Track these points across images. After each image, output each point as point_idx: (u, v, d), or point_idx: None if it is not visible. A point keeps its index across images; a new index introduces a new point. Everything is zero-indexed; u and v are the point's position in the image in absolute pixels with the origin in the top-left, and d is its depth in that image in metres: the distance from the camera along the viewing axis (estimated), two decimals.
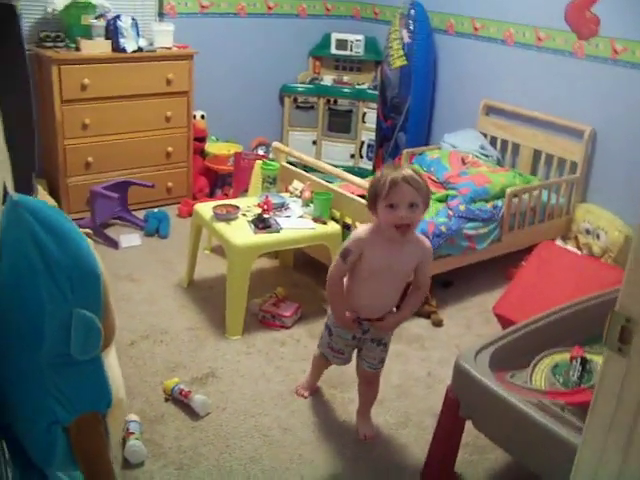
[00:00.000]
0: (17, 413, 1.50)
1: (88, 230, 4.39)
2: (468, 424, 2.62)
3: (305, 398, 3.25)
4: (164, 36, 5.11)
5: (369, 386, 3.05)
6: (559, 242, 4.73)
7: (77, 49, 4.79)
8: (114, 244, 4.68)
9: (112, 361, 1.53)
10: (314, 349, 3.59)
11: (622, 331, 1.26)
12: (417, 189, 2.55)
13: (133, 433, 2.82)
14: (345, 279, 2.81)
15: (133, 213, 5.11)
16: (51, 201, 2.91)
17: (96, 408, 1.48)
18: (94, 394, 1.48)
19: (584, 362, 2.67)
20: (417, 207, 2.57)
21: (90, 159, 4.93)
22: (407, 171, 2.58)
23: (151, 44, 5.08)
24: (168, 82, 5.12)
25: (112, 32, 4.84)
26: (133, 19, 4.94)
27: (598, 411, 1.34)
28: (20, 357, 1.44)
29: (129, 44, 4.87)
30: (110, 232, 4.84)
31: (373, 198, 2.63)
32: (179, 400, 3.14)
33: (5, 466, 1.47)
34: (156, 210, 5.09)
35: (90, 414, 1.47)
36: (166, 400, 3.17)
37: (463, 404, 2.56)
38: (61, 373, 1.42)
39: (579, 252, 4.59)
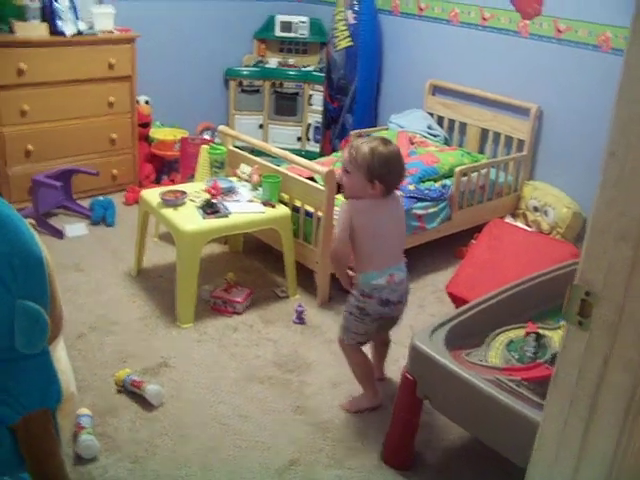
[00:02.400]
0: None
1: (31, 220, 4.26)
2: (426, 403, 2.61)
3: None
4: (105, 19, 4.97)
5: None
6: (509, 219, 4.77)
7: (11, 31, 4.58)
8: (59, 234, 4.56)
9: (61, 354, 1.46)
10: (267, 334, 3.58)
11: (582, 305, 1.25)
12: (349, 155, 2.79)
13: (85, 427, 2.75)
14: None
15: (78, 202, 4.98)
16: None
17: (45, 405, 1.40)
18: (42, 390, 1.40)
19: (538, 337, 2.69)
20: (349, 173, 2.81)
21: (30, 147, 4.79)
22: (359, 141, 2.85)
23: (91, 27, 4.93)
24: (110, 67, 5.00)
25: (48, 14, 4.66)
26: (71, 1, 4.76)
27: (559, 385, 1.33)
28: None
29: (68, 27, 4.71)
30: (54, 222, 4.72)
31: None
32: (132, 391, 3.07)
33: None
34: (102, 198, 4.96)
35: (39, 411, 1.39)
36: (118, 392, 3.10)
37: (420, 384, 2.55)
38: (5, 369, 1.34)
39: (528, 229, 4.63)
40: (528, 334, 2.72)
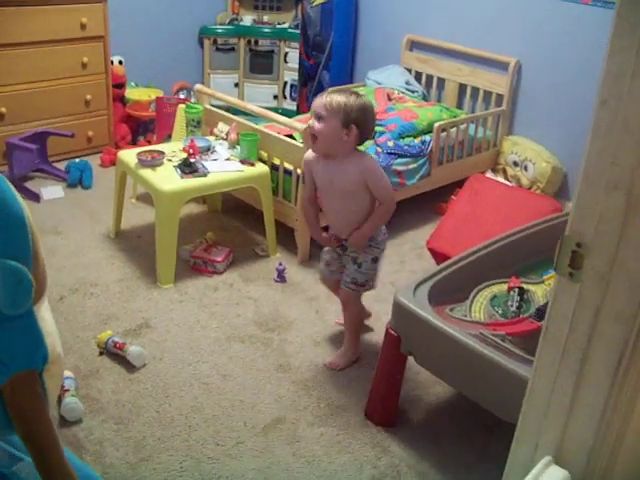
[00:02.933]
0: None
1: None
2: (409, 360, 2.62)
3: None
4: None
5: (344, 308, 3.12)
6: (489, 175, 4.76)
7: None
8: (35, 197, 4.50)
9: (46, 314, 1.43)
10: (248, 293, 3.58)
11: (573, 256, 1.23)
12: (326, 103, 2.72)
13: (68, 390, 2.74)
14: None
15: (54, 164, 4.92)
16: None
17: (31, 365, 1.38)
18: (28, 351, 1.37)
19: (522, 292, 2.69)
20: (322, 120, 2.73)
21: (3, 109, 4.69)
22: (335, 90, 2.88)
23: None
24: (82, 26, 4.89)
25: None
26: None
27: (550, 338, 1.32)
28: None
29: None
30: (31, 185, 4.66)
31: None
32: (114, 353, 3.06)
33: None
34: (77, 160, 4.89)
35: (25, 372, 1.37)
36: (100, 354, 3.09)
37: (404, 340, 2.55)
38: None
39: (509, 184, 4.62)
40: (511, 289, 2.72)
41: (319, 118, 2.74)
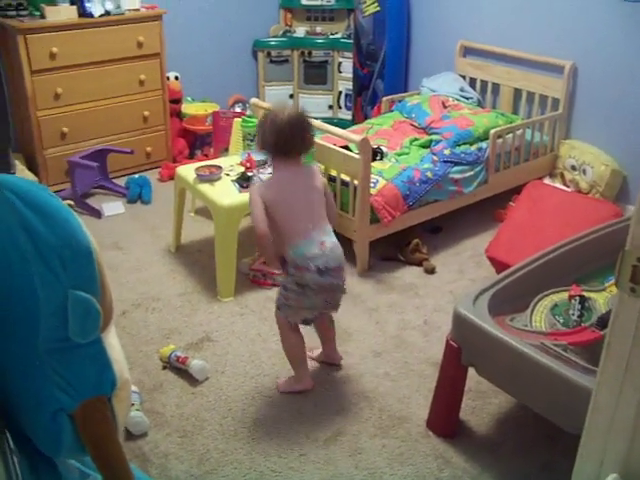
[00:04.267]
0: (20, 403, 1.45)
1: (70, 201, 4.29)
2: (471, 369, 2.61)
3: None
4: None
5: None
6: (547, 180, 4.71)
7: (42, 16, 4.64)
8: (97, 213, 4.61)
9: (113, 341, 1.48)
10: None
11: (634, 271, 1.22)
12: None
13: (133, 404, 2.79)
14: None
15: (114, 181, 5.02)
16: (30, 176, 2.83)
17: (101, 392, 1.43)
18: (97, 377, 1.42)
19: (583, 300, 2.66)
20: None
21: (65, 129, 4.83)
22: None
23: (118, 7, 4.91)
24: (139, 45, 5.00)
25: None
26: None
27: (613, 353, 1.31)
28: (18, 346, 1.38)
29: (95, 8, 4.73)
30: (92, 201, 4.76)
31: None
32: (177, 367, 3.11)
33: (11, 456, 1.42)
34: (137, 176, 5.00)
35: (95, 398, 1.41)
36: (164, 368, 3.14)
37: (464, 351, 2.54)
38: (61, 359, 1.37)
39: (567, 189, 4.57)
40: (572, 297, 2.69)
41: None
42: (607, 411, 1.35)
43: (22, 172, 3.07)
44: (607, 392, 1.34)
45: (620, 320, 1.28)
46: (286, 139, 2.74)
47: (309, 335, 3.12)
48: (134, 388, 2.91)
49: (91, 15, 4.72)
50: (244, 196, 3.60)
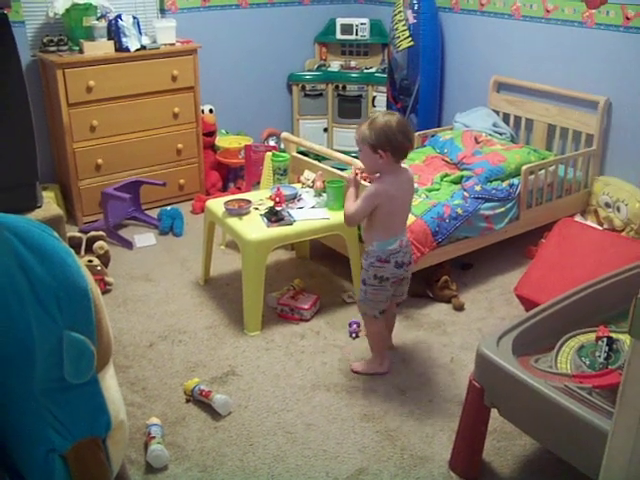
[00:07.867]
0: (16, 441, 1.45)
1: (101, 232, 4.35)
2: (494, 410, 2.56)
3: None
4: (166, 32, 5.05)
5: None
6: (579, 218, 4.65)
7: (80, 51, 4.74)
8: (129, 244, 4.65)
9: (110, 381, 1.47)
10: (334, 340, 3.58)
11: None
12: (356, 134, 3.05)
13: (154, 437, 2.79)
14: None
15: (146, 212, 5.08)
16: (56, 210, 2.86)
17: (95, 433, 1.42)
18: (91, 418, 1.42)
19: (610, 342, 2.60)
20: (359, 150, 3.06)
21: (100, 161, 4.90)
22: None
23: (154, 41, 5.01)
24: (173, 78, 5.07)
25: (114, 32, 4.79)
26: (134, 17, 4.89)
27: (627, 400, 1.28)
28: (12, 384, 1.38)
29: (132, 43, 4.82)
30: (124, 233, 4.81)
31: None
32: (200, 401, 3.10)
33: None
34: (169, 208, 5.04)
35: (89, 439, 1.41)
36: (187, 401, 3.14)
37: (487, 392, 2.50)
38: (55, 399, 1.37)
39: (600, 227, 4.51)
40: (599, 338, 2.64)
41: (359, 149, 3.06)
42: (622, 459, 1.31)
43: (49, 205, 3.10)
44: (622, 440, 1.31)
45: (634, 367, 1.25)
46: (395, 138, 2.97)
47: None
48: (157, 421, 2.91)
49: (127, 50, 4.81)
50: (272, 230, 3.61)
